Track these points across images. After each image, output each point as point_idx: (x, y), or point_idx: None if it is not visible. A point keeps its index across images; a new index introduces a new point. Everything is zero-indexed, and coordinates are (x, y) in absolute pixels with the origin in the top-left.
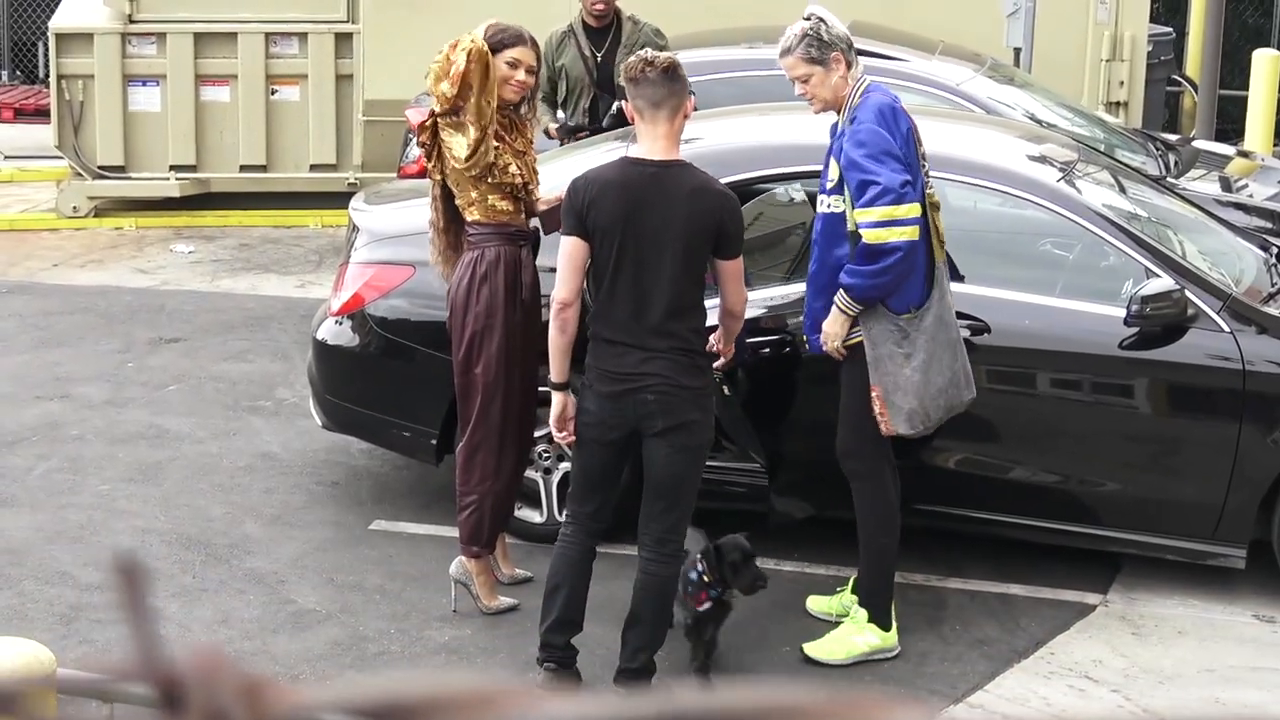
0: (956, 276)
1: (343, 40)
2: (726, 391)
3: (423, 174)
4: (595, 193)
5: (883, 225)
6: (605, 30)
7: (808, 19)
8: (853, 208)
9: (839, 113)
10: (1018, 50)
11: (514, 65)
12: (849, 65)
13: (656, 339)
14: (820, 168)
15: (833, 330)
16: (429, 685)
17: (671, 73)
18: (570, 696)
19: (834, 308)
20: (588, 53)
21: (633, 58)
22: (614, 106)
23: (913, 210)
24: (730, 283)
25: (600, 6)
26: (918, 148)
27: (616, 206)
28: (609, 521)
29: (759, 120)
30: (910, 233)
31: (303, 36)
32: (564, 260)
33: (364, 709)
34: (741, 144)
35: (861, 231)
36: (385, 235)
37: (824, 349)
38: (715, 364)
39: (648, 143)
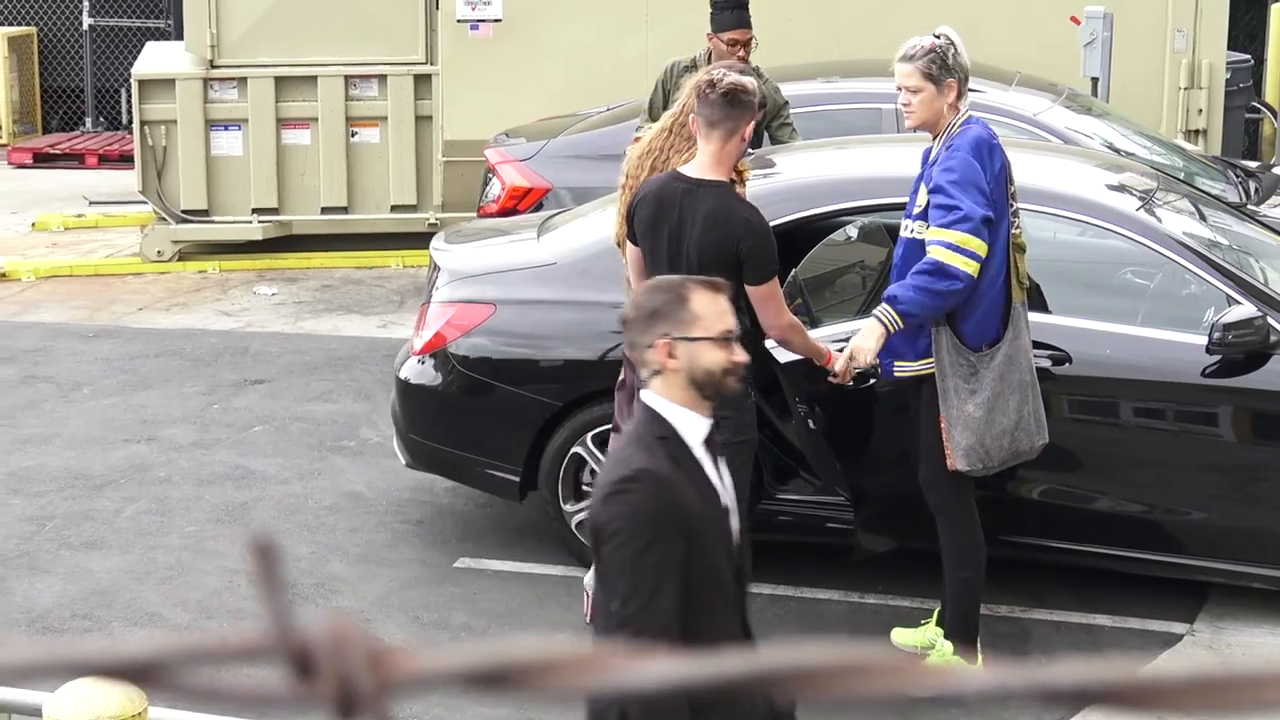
0: (1043, 308)
1: (421, 82)
2: (811, 425)
3: (503, 212)
4: (639, 200)
5: (953, 249)
6: None
7: (939, 37)
8: (928, 226)
9: (935, 139)
10: (1095, 80)
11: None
12: (959, 95)
13: None
14: (899, 200)
15: (863, 344)
16: (538, 649)
17: (731, 97)
18: (665, 657)
19: (872, 318)
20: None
21: (701, 73)
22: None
23: (982, 248)
24: (758, 307)
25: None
26: (1008, 187)
27: (647, 216)
28: None
29: (837, 154)
30: (972, 267)
31: (382, 78)
32: (629, 259)
33: (481, 673)
34: (819, 177)
35: (929, 248)
36: (466, 274)
37: (849, 363)
38: (835, 379)
39: (697, 159)
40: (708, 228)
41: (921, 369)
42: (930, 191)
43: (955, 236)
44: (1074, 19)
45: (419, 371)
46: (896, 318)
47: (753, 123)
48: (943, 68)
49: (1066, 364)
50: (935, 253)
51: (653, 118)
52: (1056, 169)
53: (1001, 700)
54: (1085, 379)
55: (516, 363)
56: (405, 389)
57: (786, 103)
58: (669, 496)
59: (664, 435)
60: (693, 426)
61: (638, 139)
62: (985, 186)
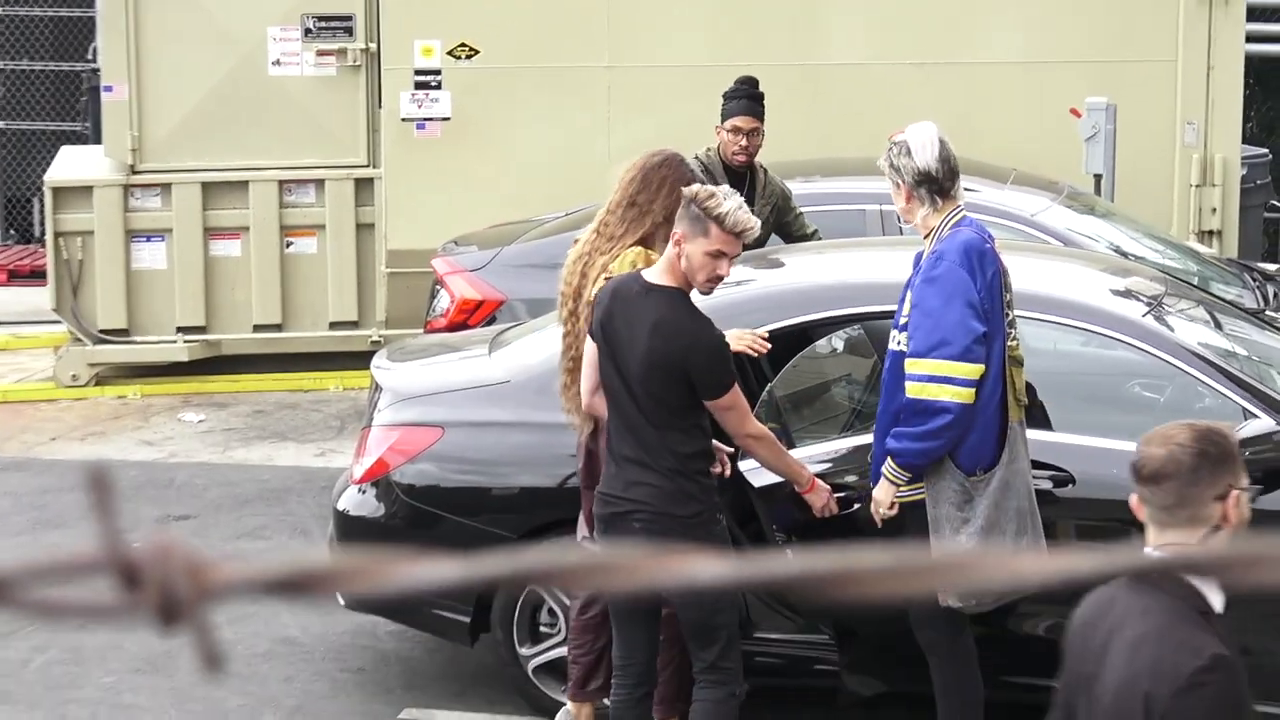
0: (1044, 424)
1: (363, 187)
2: (790, 555)
3: (452, 327)
4: (600, 297)
5: (933, 380)
6: (742, 174)
7: (895, 142)
8: (907, 353)
9: (927, 238)
10: (1098, 177)
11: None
12: (923, 201)
13: (645, 460)
14: (887, 308)
15: (880, 497)
16: (338, 558)
17: (689, 207)
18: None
19: (881, 474)
20: None
21: (701, 189)
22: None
23: (973, 372)
24: (720, 417)
25: (741, 157)
26: (1004, 296)
27: (601, 315)
28: (649, 682)
29: (814, 259)
30: (965, 395)
31: (319, 183)
32: (585, 359)
33: (287, 580)
34: (796, 284)
35: (908, 385)
36: (411, 394)
37: (875, 515)
38: (815, 510)
39: (658, 262)
40: (654, 339)
41: (910, 495)
42: (911, 307)
43: (934, 366)
44: (1074, 111)
45: (359, 502)
46: (900, 471)
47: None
48: (892, 171)
49: (1070, 485)
50: (914, 390)
51: None
52: (1057, 273)
53: None
54: (1090, 501)
55: (467, 491)
56: (344, 522)
57: (790, 194)
58: (1243, 684)
59: (1205, 610)
60: (1216, 597)
61: (576, 242)
62: (976, 299)
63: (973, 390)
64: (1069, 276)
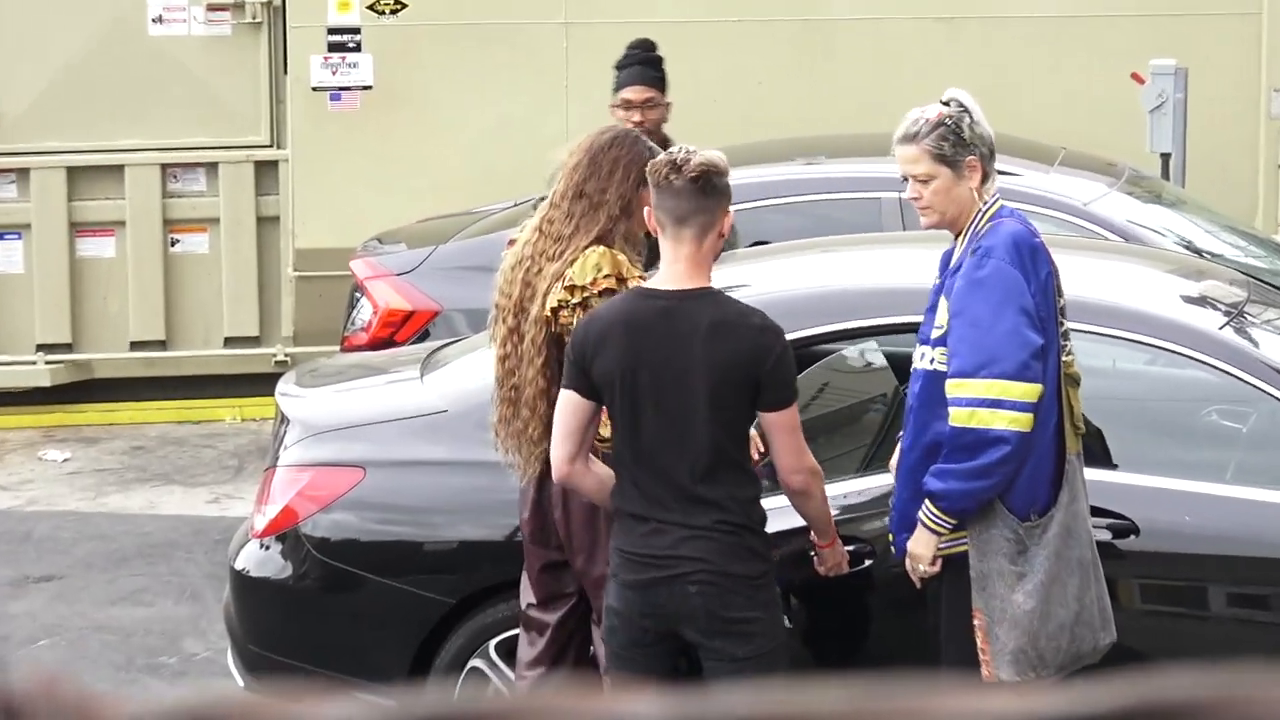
0: (1101, 461)
1: (265, 171)
2: (788, 623)
3: (376, 344)
4: (598, 336)
5: (984, 405)
6: None
7: (947, 103)
8: (947, 375)
9: (957, 237)
10: (1165, 157)
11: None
12: (985, 177)
13: (694, 511)
14: (912, 319)
15: (919, 551)
16: (232, 696)
17: (702, 182)
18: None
19: (920, 521)
20: None
21: (660, 158)
22: None
23: (1031, 393)
24: (777, 441)
25: (639, 128)
26: (1056, 301)
27: (620, 352)
28: None
29: (823, 258)
30: (1023, 421)
31: (211, 167)
32: (559, 420)
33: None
34: (801, 291)
35: (951, 412)
36: (326, 428)
37: (914, 574)
38: (824, 568)
39: (666, 267)
40: (715, 345)
41: (952, 546)
42: (953, 313)
43: (987, 388)
44: (1136, 76)
45: (262, 560)
46: (944, 517)
47: (730, 213)
48: (958, 144)
49: (1132, 536)
50: (962, 418)
51: None
52: (1115, 275)
53: None
54: (1158, 556)
55: (394, 546)
56: (243, 584)
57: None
58: None
59: None
60: None
61: (513, 242)
62: (1030, 304)
63: (1031, 416)
64: (1130, 279)
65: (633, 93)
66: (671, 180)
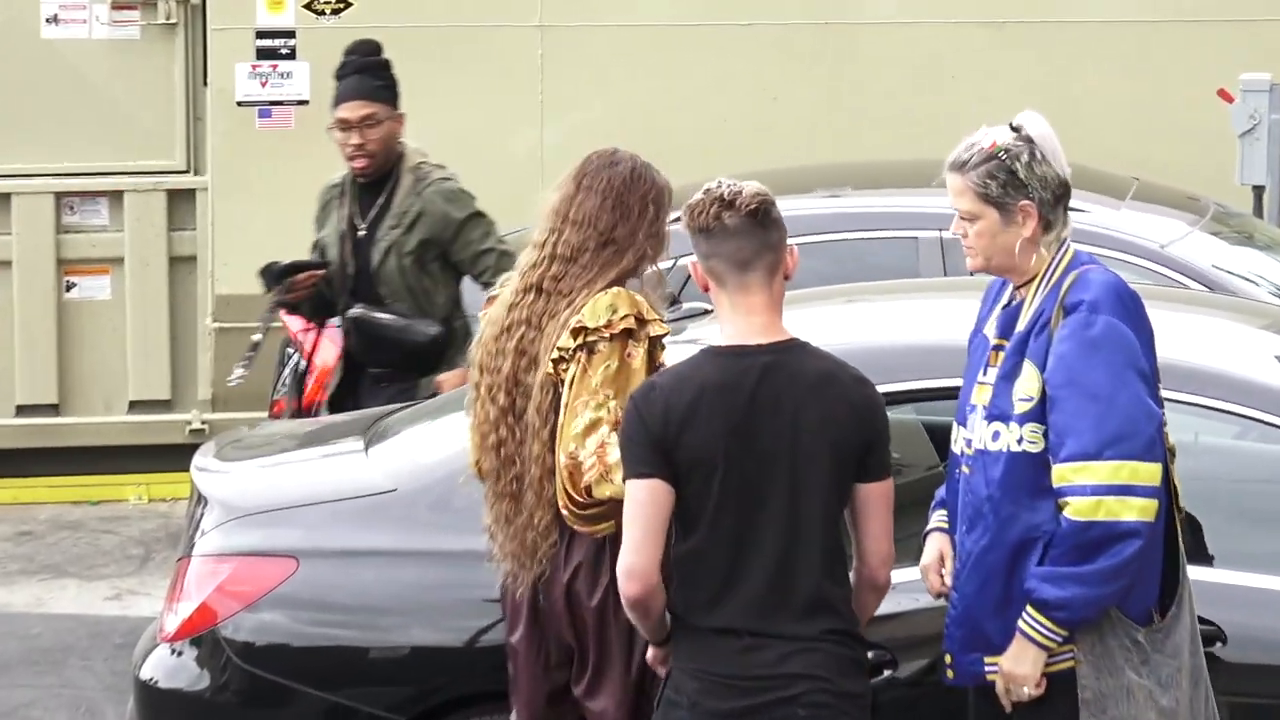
0: (1200, 555)
1: (180, 201)
2: None
3: (310, 409)
4: (685, 406)
5: (1115, 492)
6: (377, 187)
7: (1016, 129)
8: (1056, 457)
9: (1025, 287)
10: (1259, 190)
11: None
12: (1046, 226)
13: (805, 619)
14: (953, 383)
15: (1024, 672)
16: None
17: (761, 215)
18: None
19: (1022, 636)
20: (344, 225)
21: (697, 197)
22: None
23: (1157, 474)
24: (876, 521)
25: (360, 161)
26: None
27: (720, 422)
28: None
29: (849, 309)
30: (1151, 510)
31: (115, 196)
32: (638, 518)
33: None
34: (839, 346)
35: (1070, 502)
36: (251, 509)
37: (1007, 697)
38: None
39: (740, 320)
40: (830, 403)
41: (1059, 662)
42: (1055, 382)
43: (1115, 471)
44: (1224, 94)
45: (173, 668)
46: (1058, 630)
47: (794, 248)
48: (1010, 184)
49: (1219, 644)
50: (1086, 509)
51: (328, 280)
52: (1198, 333)
53: None
54: (1248, 669)
55: (332, 653)
56: (150, 698)
57: (483, 218)
58: None
59: None
60: None
61: (493, 299)
62: (1146, 366)
63: (1157, 502)
64: (1216, 337)
65: (348, 109)
66: (724, 220)
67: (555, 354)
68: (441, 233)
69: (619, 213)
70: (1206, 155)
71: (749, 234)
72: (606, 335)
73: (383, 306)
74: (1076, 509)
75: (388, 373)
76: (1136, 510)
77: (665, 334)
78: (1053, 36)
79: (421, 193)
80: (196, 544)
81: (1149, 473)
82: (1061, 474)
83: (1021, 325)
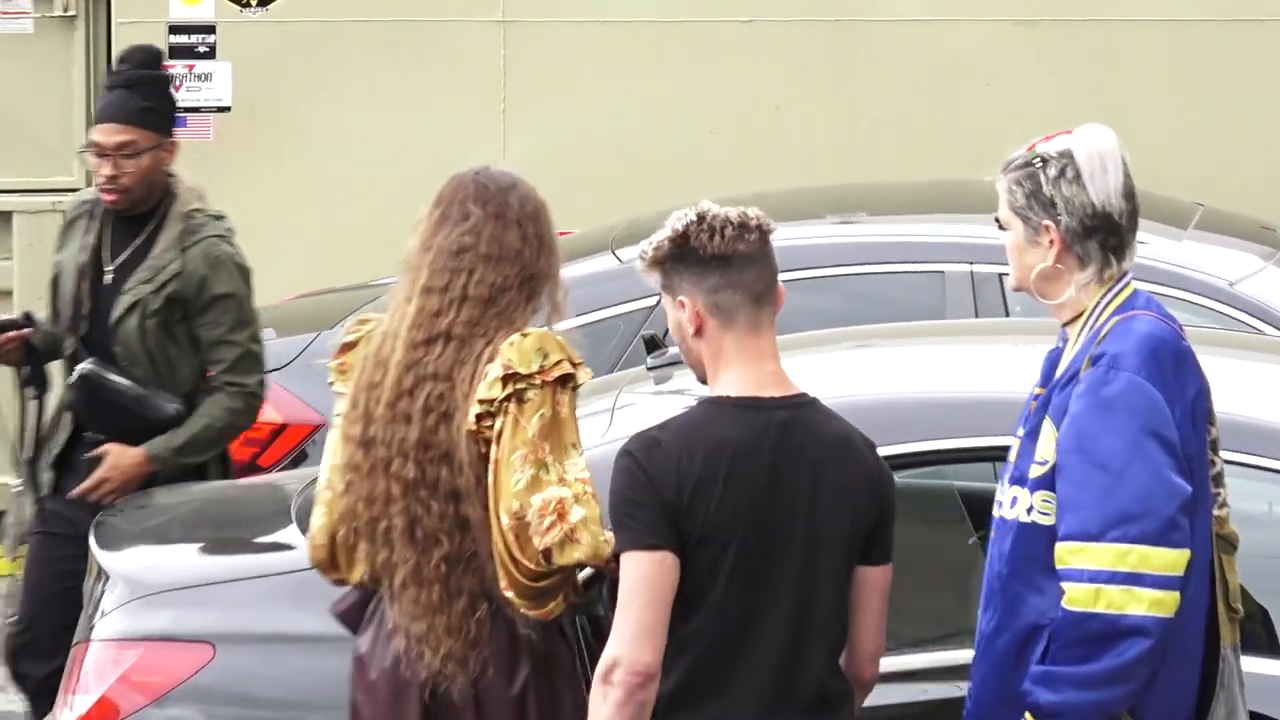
0: (1269, 649)
1: None
2: None
3: (242, 469)
4: (702, 470)
5: (1118, 581)
6: (136, 224)
7: (1042, 155)
8: (1058, 534)
9: (1072, 325)
10: None
11: None
12: (1086, 261)
13: (817, 714)
14: (997, 442)
15: None
16: None
17: (766, 238)
18: None
19: None
20: (87, 257)
21: (691, 218)
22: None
23: (1179, 562)
24: (873, 610)
25: (112, 195)
26: (1208, 432)
27: (740, 489)
28: None
29: (865, 355)
30: (1168, 604)
31: (3, 218)
32: (644, 596)
33: None
34: (834, 401)
35: (1067, 589)
36: (159, 586)
37: None
38: None
39: (749, 368)
40: (848, 469)
41: None
42: (1063, 448)
43: (1120, 556)
44: None
45: None
46: None
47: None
48: (1033, 196)
49: None
50: (1083, 599)
51: (56, 313)
52: (1274, 385)
53: None
54: None
55: None
56: None
57: (243, 303)
58: None
59: None
60: None
61: (350, 346)
62: (1175, 436)
63: (1178, 595)
64: None
65: (102, 133)
66: (741, 244)
67: (479, 407)
68: (193, 300)
69: (537, 243)
70: (1277, 177)
71: (764, 260)
72: (538, 383)
73: (117, 368)
74: (1073, 597)
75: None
76: (1146, 603)
77: (585, 381)
78: (1097, 36)
79: (187, 249)
80: (95, 627)
81: (1165, 560)
82: (1060, 555)
83: (1059, 373)
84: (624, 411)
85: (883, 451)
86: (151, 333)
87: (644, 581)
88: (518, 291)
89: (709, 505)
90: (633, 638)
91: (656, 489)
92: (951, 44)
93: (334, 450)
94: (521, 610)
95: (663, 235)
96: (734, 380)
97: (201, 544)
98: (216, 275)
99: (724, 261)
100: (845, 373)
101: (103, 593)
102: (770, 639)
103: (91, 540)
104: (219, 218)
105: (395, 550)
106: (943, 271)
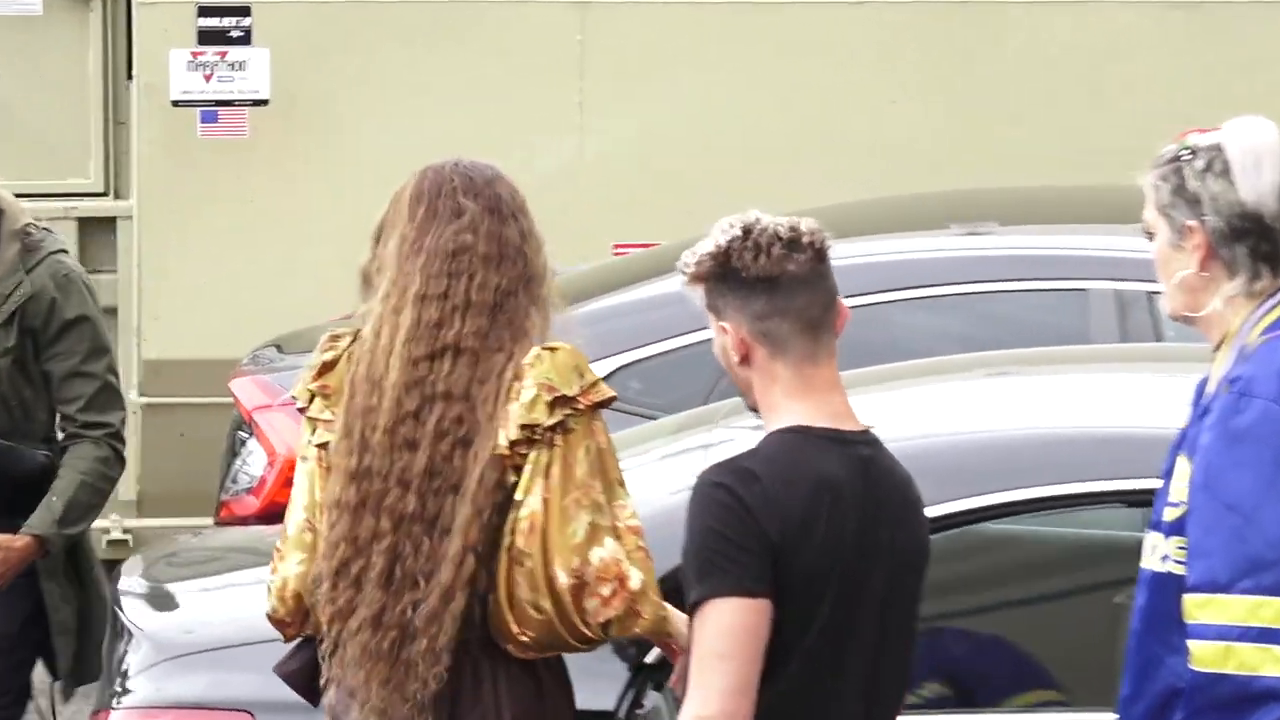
0: None
1: (95, 234)
2: None
3: (267, 514)
4: (806, 506)
5: (1251, 638)
6: None
7: (1190, 147)
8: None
9: (1219, 347)
10: None
11: None
12: (1234, 269)
13: None
14: (1143, 484)
15: None
16: None
17: (824, 254)
18: None
19: None
20: None
21: (736, 234)
22: None
23: None
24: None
25: None
26: None
27: (842, 528)
28: None
29: (998, 385)
30: None
31: None
32: (742, 648)
33: None
34: (965, 438)
35: (1193, 647)
36: (189, 648)
37: None
38: None
39: (814, 400)
40: (913, 519)
41: None
42: (1190, 488)
43: (1253, 609)
44: None
45: None
46: None
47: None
48: (1178, 192)
49: None
50: (1211, 658)
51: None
52: None
53: None
54: None
55: None
56: None
57: (96, 327)
58: None
59: None
60: None
61: (330, 366)
62: None
63: None
64: None
65: None
66: (791, 264)
67: (518, 432)
68: (42, 328)
69: (534, 240)
70: None
71: (818, 283)
72: (581, 406)
73: None
74: (1200, 657)
75: None
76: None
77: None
78: (1261, 21)
79: (31, 270)
80: (120, 693)
81: None
82: (1187, 608)
83: (1203, 402)
84: (720, 449)
85: (1018, 495)
86: (5, 373)
87: (745, 632)
88: (523, 295)
89: (812, 546)
90: (730, 693)
91: (760, 525)
92: (1097, 28)
93: (309, 486)
94: (518, 653)
95: (704, 248)
96: (804, 412)
97: (237, 598)
98: (68, 297)
99: (770, 285)
100: (978, 405)
101: (125, 654)
102: (845, 701)
103: (113, 595)
104: (48, 230)
105: (361, 592)
106: (1085, 289)
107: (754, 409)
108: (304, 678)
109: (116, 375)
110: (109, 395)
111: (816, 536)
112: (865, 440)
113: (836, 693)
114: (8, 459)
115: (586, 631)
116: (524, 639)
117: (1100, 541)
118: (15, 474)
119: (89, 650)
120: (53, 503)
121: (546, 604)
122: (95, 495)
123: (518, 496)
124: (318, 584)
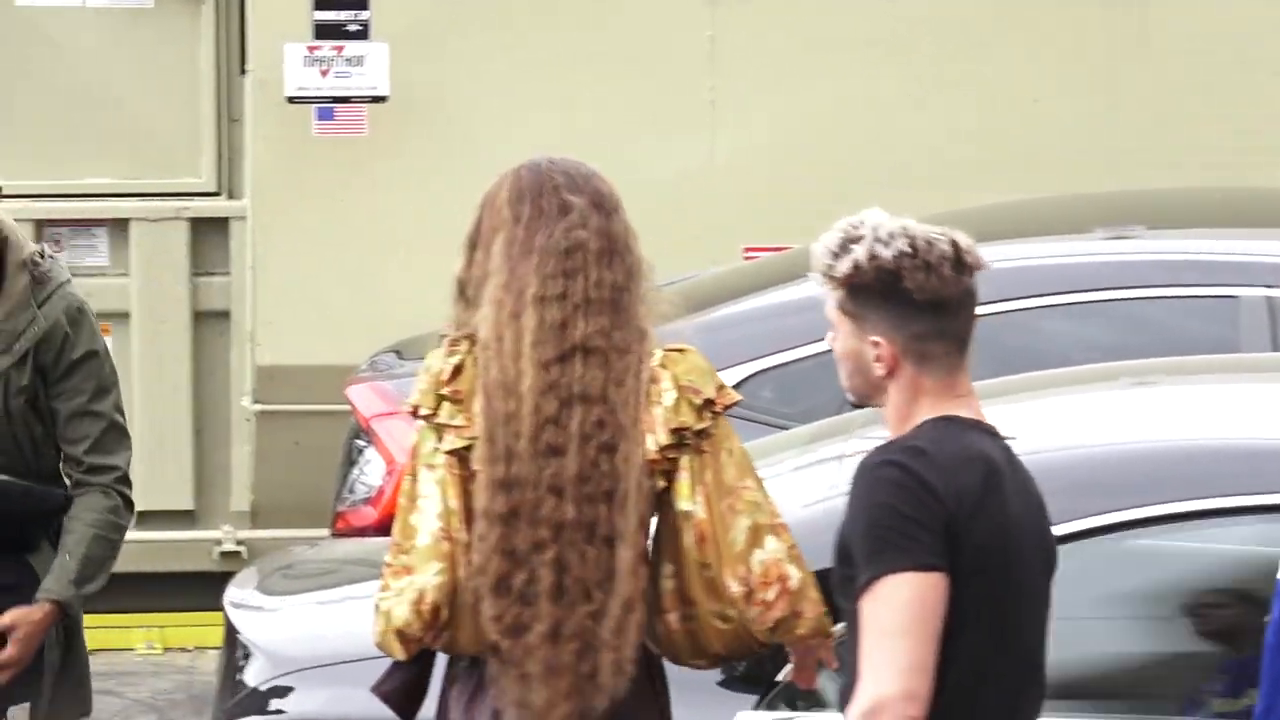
0: None
1: (207, 234)
2: None
3: (385, 525)
4: (980, 483)
5: None
6: None
7: None
8: None
9: None
10: None
11: None
12: None
13: None
14: None
15: None
16: None
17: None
18: None
19: None
20: None
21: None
22: None
23: None
24: None
25: None
26: None
27: (1007, 507)
28: None
29: (1144, 395)
30: None
31: (118, 226)
32: (919, 625)
33: None
34: (1114, 449)
35: None
36: (308, 662)
37: None
38: None
39: (958, 401)
40: (1043, 513)
41: None
42: None
43: None
44: None
45: None
46: None
47: None
48: None
49: None
50: None
51: None
52: None
53: None
54: None
55: None
56: None
57: (104, 364)
58: None
59: None
60: None
61: (460, 370)
62: None
63: None
64: None
65: None
66: (951, 282)
67: (668, 437)
68: (53, 365)
69: (635, 235)
70: None
71: (972, 300)
72: (719, 409)
73: None
74: None
75: None
76: None
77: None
78: None
79: (43, 304)
80: (233, 709)
81: None
82: None
83: None
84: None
85: (1158, 510)
86: (18, 414)
87: (924, 607)
88: (633, 292)
89: (983, 523)
90: (910, 671)
91: (942, 501)
92: (1250, 24)
93: (441, 494)
94: (706, 665)
95: (860, 255)
96: (948, 409)
97: (356, 611)
98: (79, 332)
99: (937, 307)
100: (1124, 415)
101: (241, 669)
102: (1004, 689)
103: (226, 607)
104: (54, 258)
105: (532, 606)
106: (1236, 296)
107: (858, 406)
108: (402, 698)
109: (122, 413)
110: (116, 435)
111: (987, 513)
112: (1006, 436)
113: (1000, 674)
114: (31, 499)
115: (760, 637)
116: (714, 650)
117: (1245, 556)
118: (34, 514)
119: (69, 686)
120: (67, 563)
121: (732, 612)
122: (109, 549)
123: (682, 505)
124: (477, 601)
